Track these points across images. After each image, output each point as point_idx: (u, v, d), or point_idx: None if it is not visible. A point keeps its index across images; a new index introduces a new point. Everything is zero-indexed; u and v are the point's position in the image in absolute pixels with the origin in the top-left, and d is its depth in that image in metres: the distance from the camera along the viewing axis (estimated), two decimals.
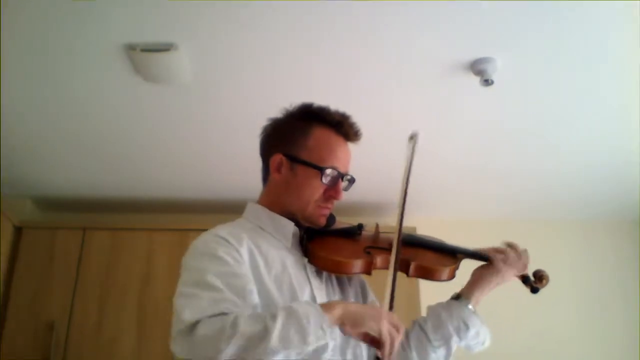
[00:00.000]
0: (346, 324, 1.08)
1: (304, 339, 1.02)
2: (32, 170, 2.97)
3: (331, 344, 1.08)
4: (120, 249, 3.00)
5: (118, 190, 3.17)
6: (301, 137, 1.33)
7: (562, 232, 3.48)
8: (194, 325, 1.04)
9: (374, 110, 2.41)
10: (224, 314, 1.05)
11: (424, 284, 2.88)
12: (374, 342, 1.10)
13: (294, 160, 1.31)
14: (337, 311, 1.08)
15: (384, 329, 1.09)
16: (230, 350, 0.99)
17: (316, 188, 1.30)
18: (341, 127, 1.34)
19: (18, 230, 3.01)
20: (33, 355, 2.77)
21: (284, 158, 1.32)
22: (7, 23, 1.89)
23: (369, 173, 2.50)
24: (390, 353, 1.09)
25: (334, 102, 1.38)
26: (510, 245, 1.44)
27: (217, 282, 1.10)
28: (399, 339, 1.11)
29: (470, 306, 1.38)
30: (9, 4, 1.81)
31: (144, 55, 2.02)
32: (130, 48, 2.00)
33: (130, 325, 2.85)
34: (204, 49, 2.05)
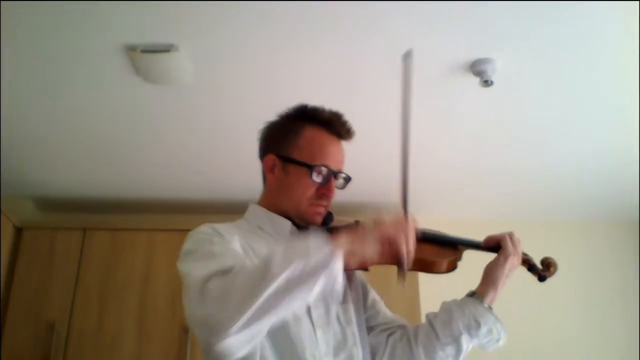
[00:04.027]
0: (355, 242, 1.05)
1: (306, 252, 1.00)
2: (32, 170, 2.98)
3: (336, 266, 1.00)
4: (120, 249, 3.00)
5: (118, 190, 3.17)
6: (293, 137, 1.34)
7: (562, 232, 3.47)
8: (205, 281, 1.02)
9: (373, 110, 2.41)
10: (232, 268, 1.04)
11: (423, 285, 2.88)
12: (392, 257, 1.08)
13: (286, 160, 1.33)
14: (339, 239, 1.04)
15: (392, 231, 1.07)
16: (236, 285, 0.98)
17: (307, 186, 1.30)
18: (332, 125, 1.35)
19: (18, 231, 3.01)
20: (33, 355, 2.77)
21: (276, 159, 1.34)
22: (8, 24, 1.89)
23: (368, 173, 2.50)
24: (409, 254, 1.08)
25: (333, 102, 1.39)
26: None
27: (219, 248, 1.14)
28: (412, 239, 1.08)
29: (485, 304, 1.31)
30: (9, 4, 1.81)
31: (144, 56, 2.02)
32: (131, 49, 2.01)
33: (130, 325, 2.84)
34: (204, 50, 2.06)
